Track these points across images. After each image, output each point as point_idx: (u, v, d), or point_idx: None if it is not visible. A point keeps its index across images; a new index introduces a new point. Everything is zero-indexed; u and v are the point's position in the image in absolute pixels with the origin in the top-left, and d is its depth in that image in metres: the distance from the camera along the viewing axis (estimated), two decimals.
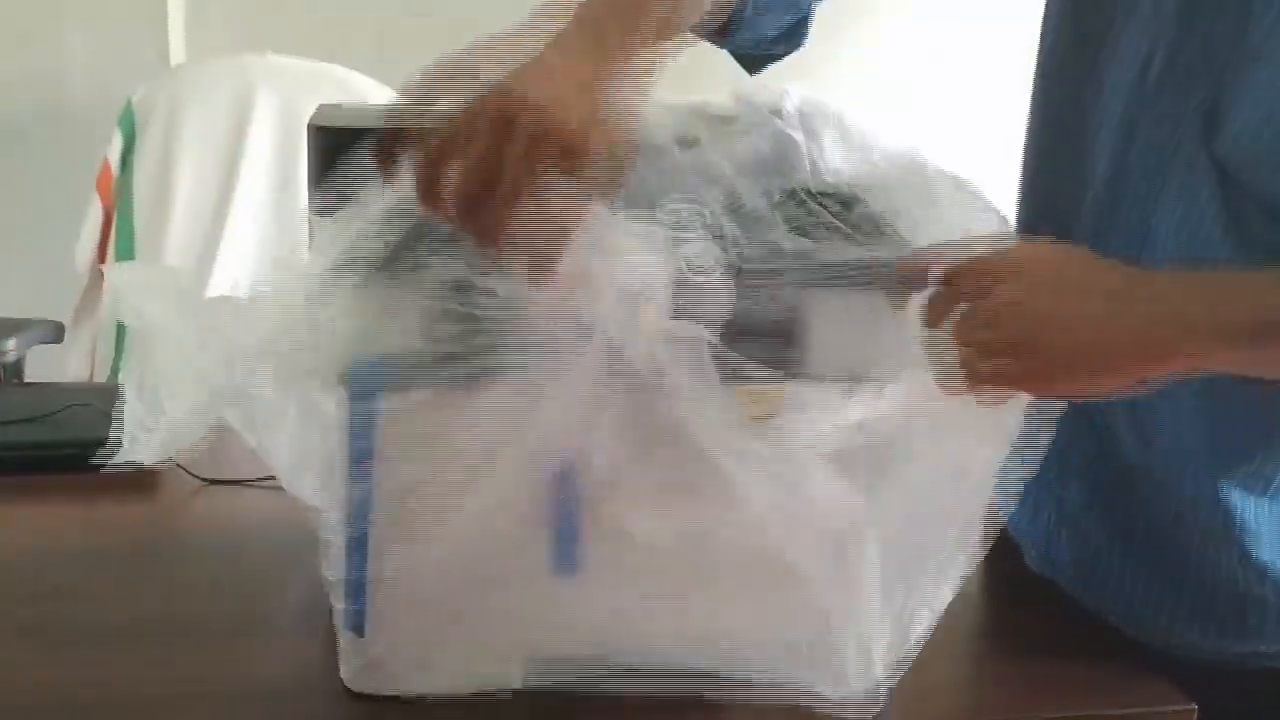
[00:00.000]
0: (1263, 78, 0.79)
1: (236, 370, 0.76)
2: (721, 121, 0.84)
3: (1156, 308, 0.74)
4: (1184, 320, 0.74)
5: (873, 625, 0.76)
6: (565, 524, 0.74)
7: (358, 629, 0.75)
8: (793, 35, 0.99)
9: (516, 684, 0.77)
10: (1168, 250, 0.83)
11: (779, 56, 1.00)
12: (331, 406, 0.75)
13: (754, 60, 1.01)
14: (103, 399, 1.13)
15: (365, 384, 0.72)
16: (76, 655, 0.83)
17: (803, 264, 0.76)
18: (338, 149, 0.78)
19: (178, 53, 2.65)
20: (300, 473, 0.81)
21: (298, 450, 0.79)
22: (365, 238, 0.75)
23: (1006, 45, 2.55)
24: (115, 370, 1.99)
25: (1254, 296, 0.74)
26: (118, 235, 2.09)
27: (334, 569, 0.76)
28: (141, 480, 1.12)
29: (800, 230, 0.77)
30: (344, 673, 0.77)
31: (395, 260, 0.74)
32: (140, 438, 0.86)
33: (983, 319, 0.74)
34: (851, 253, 0.77)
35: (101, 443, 0.92)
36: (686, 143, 0.81)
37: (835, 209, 0.79)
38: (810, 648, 0.76)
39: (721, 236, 0.75)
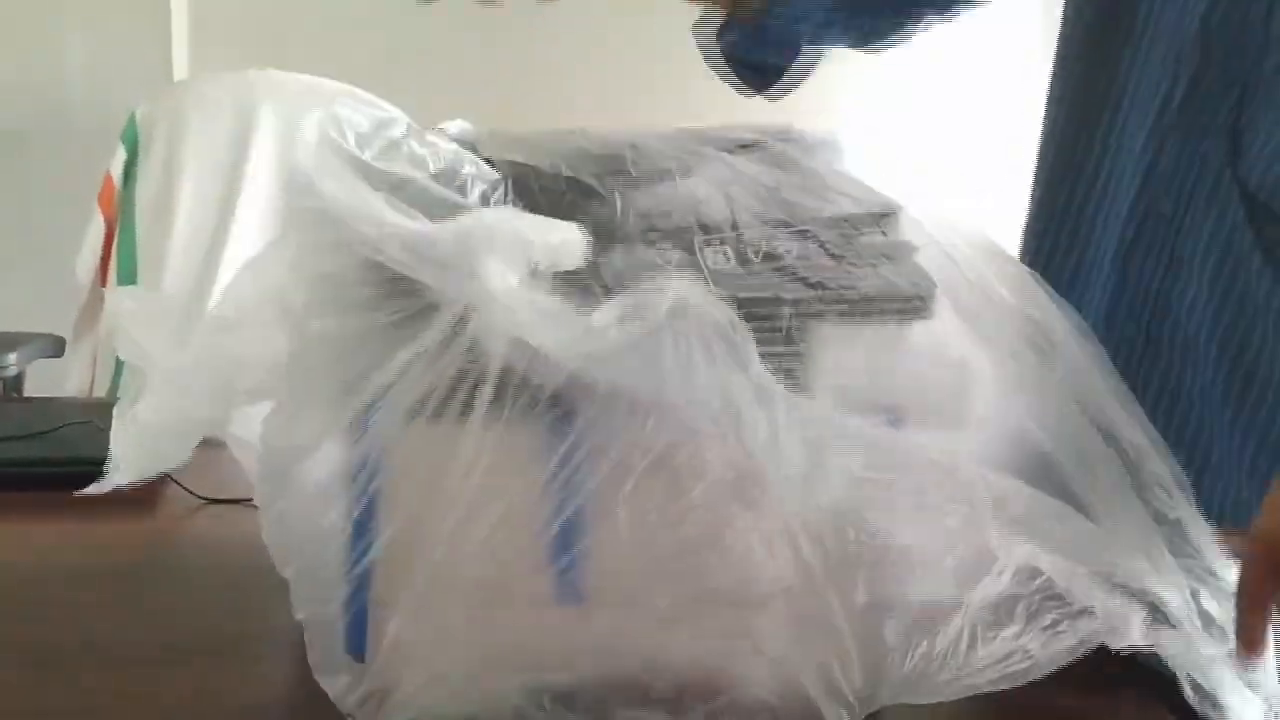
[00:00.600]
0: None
1: (229, 397, 0.75)
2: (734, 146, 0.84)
3: None
4: None
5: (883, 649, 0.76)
6: (569, 550, 0.73)
7: (359, 655, 0.74)
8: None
9: (520, 711, 0.76)
10: (1197, 275, 0.83)
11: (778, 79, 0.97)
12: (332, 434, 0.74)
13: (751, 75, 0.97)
14: (101, 416, 1.12)
15: (372, 412, 0.72)
16: (73, 676, 0.82)
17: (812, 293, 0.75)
18: None
19: (181, 67, 2.66)
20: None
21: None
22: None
23: (1006, 45, 2.55)
24: (115, 385, 1.99)
25: None
26: (119, 249, 2.08)
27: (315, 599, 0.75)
28: (140, 498, 1.11)
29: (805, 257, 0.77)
30: (341, 700, 0.76)
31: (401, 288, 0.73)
32: (125, 461, 0.86)
33: None
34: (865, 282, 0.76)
35: (99, 461, 0.91)
36: (688, 169, 0.80)
37: (845, 237, 0.78)
38: (817, 672, 0.76)
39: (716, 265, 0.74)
